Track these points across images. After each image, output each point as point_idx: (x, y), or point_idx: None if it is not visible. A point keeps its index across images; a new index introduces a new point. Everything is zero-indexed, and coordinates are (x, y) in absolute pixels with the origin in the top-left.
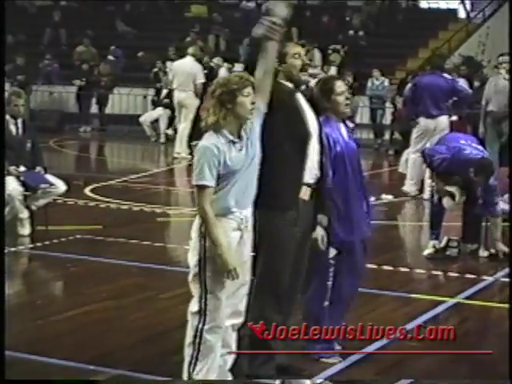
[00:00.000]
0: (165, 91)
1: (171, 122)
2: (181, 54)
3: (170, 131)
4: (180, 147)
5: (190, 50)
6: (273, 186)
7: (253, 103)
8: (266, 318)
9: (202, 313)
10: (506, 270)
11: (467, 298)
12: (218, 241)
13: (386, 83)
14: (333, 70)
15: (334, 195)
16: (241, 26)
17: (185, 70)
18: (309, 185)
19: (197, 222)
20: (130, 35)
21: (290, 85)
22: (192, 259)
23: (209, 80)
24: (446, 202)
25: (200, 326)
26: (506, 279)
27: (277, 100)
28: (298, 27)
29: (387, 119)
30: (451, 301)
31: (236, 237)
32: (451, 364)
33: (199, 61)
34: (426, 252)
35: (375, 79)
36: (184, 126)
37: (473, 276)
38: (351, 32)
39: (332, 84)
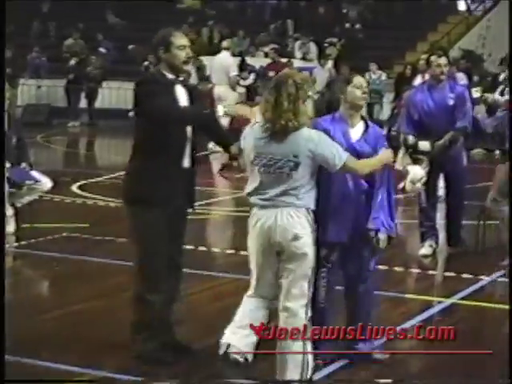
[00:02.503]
0: None
1: None
2: None
3: None
4: None
5: (225, 43)
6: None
7: None
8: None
9: (308, 302)
10: (503, 271)
11: (463, 298)
12: None
13: (384, 77)
14: (329, 64)
15: (324, 194)
16: (235, 17)
17: (220, 64)
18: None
19: (303, 217)
20: (120, 27)
21: (170, 75)
22: (305, 256)
23: None
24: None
25: (310, 313)
26: (503, 279)
27: (152, 92)
28: (294, 19)
29: (384, 114)
30: (447, 301)
31: None
32: (448, 364)
33: (233, 54)
34: (422, 251)
35: (372, 73)
36: None
37: (469, 276)
38: (348, 25)
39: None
